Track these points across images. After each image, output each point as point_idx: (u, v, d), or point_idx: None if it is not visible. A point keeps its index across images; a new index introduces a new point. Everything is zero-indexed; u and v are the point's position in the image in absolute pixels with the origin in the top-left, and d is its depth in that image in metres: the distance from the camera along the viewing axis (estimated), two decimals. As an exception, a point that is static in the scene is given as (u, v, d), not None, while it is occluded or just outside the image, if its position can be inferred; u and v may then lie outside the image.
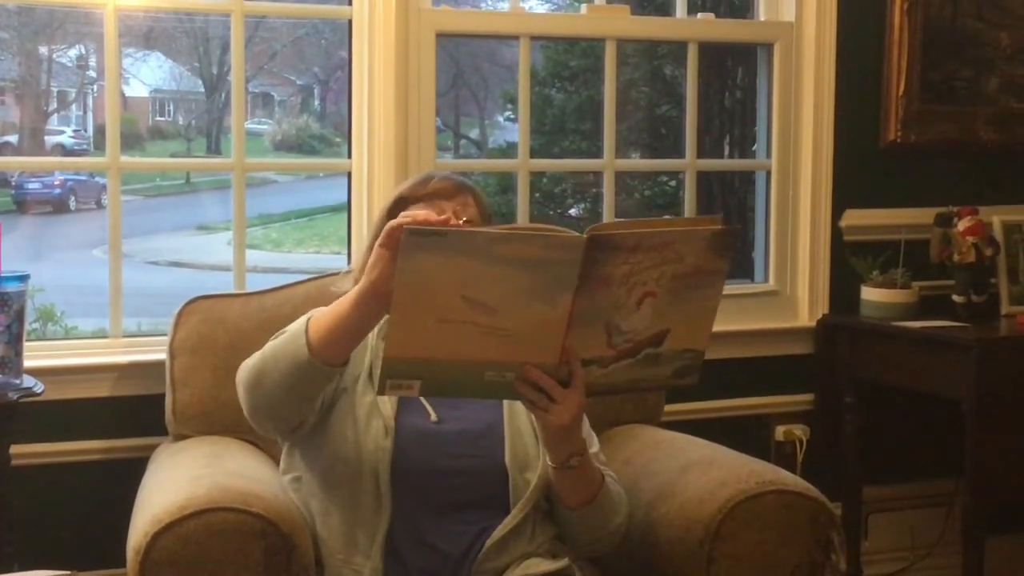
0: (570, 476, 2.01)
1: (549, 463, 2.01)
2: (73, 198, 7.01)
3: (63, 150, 6.68)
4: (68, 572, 1.77)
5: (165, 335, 2.57)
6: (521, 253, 1.70)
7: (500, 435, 2.11)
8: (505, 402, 2.12)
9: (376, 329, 2.16)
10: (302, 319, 1.95)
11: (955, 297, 3.29)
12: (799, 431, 3.38)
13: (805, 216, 3.38)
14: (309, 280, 2.62)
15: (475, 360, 1.77)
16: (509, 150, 5.53)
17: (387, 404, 2.07)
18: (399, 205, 2.20)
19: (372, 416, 2.06)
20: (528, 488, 2.07)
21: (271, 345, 1.97)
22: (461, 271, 1.69)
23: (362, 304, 1.85)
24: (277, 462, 2.25)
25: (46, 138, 6.66)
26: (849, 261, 3.33)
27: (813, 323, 3.38)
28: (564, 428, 1.91)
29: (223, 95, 6.79)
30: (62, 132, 6.93)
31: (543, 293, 1.73)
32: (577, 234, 1.74)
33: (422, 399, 2.09)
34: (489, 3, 6.13)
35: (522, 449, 2.10)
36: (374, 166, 2.97)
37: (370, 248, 2.23)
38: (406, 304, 1.71)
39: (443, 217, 1.81)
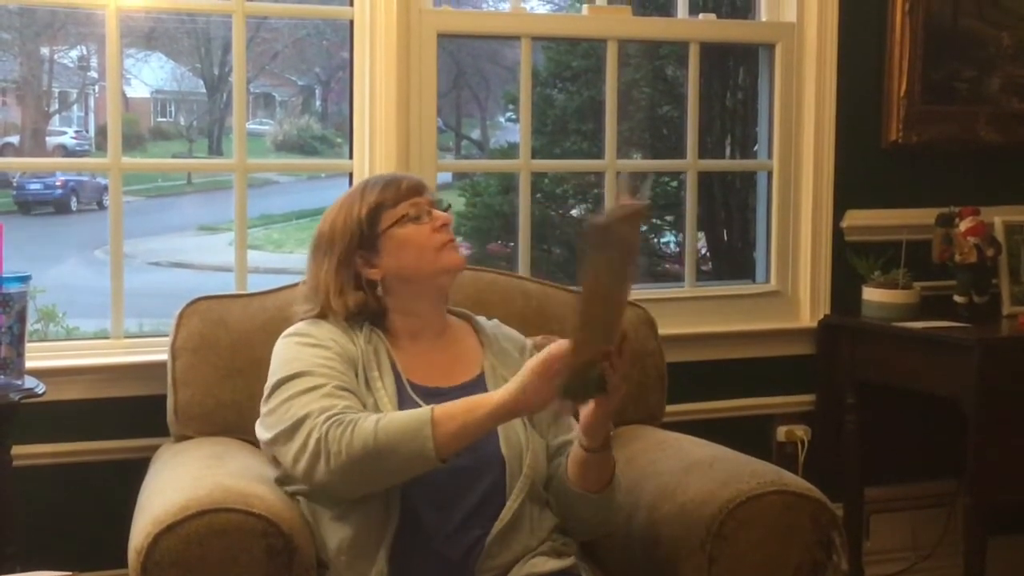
0: (603, 457, 2.04)
1: (586, 449, 2.03)
2: (74, 199, 7.03)
3: (64, 151, 6.70)
4: (70, 573, 1.77)
5: (166, 336, 2.57)
6: (627, 234, 1.80)
7: (494, 428, 2.11)
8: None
9: (362, 335, 2.15)
10: (423, 417, 1.94)
11: (956, 297, 3.29)
12: (801, 432, 3.38)
13: (806, 216, 3.38)
14: (310, 281, 2.62)
15: (594, 356, 1.86)
16: (510, 151, 5.54)
17: (388, 406, 2.06)
18: (378, 211, 2.17)
19: None
20: (521, 476, 2.08)
21: (386, 439, 1.93)
22: (606, 260, 1.79)
23: (503, 419, 1.97)
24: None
25: (48, 139, 6.67)
26: (850, 261, 3.33)
27: (814, 324, 3.37)
28: (615, 408, 1.97)
29: (224, 96, 6.80)
30: (64, 133, 6.94)
31: (627, 271, 1.84)
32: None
33: (415, 396, 2.09)
34: (490, 4, 6.14)
35: (516, 439, 2.11)
36: (375, 167, 2.97)
37: (341, 261, 2.19)
38: (590, 305, 1.81)
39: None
